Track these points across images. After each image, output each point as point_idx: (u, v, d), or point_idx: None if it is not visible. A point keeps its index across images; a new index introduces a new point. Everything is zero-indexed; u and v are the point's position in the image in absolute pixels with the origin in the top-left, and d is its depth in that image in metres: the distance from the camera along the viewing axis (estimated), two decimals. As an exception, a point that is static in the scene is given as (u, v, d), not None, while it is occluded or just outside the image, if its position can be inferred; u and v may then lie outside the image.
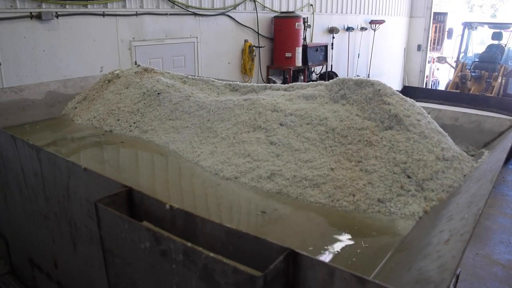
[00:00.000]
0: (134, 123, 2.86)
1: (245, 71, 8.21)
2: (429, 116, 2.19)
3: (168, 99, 2.89)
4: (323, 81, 2.64)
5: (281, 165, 2.02)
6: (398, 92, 2.23)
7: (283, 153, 2.09)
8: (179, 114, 2.74)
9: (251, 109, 2.44)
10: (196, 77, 3.31)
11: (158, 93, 2.96)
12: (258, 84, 2.93)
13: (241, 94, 2.93)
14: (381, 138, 1.98)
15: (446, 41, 14.95)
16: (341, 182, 1.83)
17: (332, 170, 1.91)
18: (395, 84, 13.78)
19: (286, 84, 2.82)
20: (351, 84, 2.31)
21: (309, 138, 2.13)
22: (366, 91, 2.22)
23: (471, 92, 9.94)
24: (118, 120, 2.95)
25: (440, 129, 2.11)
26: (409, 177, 1.79)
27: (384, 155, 1.90)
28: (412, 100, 2.21)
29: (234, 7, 7.67)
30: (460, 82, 10.32)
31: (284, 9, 8.73)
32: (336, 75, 10.40)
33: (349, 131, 2.07)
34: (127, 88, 3.21)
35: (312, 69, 9.78)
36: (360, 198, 1.75)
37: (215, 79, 3.23)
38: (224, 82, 3.13)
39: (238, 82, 3.10)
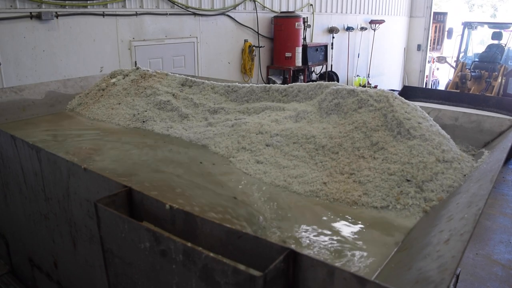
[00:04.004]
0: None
1: (245, 71, 8.21)
2: (432, 119, 2.19)
3: (150, 128, 2.84)
4: (322, 82, 2.64)
5: (269, 182, 1.98)
6: (399, 96, 2.23)
7: (271, 171, 2.05)
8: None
9: (232, 135, 2.41)
10: (195, 79, 3.27)
11: (143, 121, 2.93)
12: (257, 85, 2.92)
13: (238, 103, 2.90)
14: (374, 152, 1.97)
15: (446, 41, 14.95)
16: (336, 196, 1.82)
17: (325, 184, 1.89)
18: (395, 84, 13.79)
19: (286, 85, 2.81)
20: (345, 94, 2.31)
21: (297, 156, 2.10)
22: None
23: (471, 92, 9.93)
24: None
25: (443, 132, 2.10)
26: (408, 180, 1.79)
27: (378, 166, 1.89)
28: (415, 104, 2.21)
29: (234, 7, 7.67)
30: (460, 82, 10.31)
31: (284, 9, 8.73)
32: (336, 75, 10.41)
33: (340, 148, 2.05)
34: (119, 104, 3.19)
35: (312, 69, 9.78)
36: (356, 209, 1.74)
37: (215, 81, 3.20)
38: (224, 84, 3.11)
39: (237, 83, 3.08)
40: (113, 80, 3.49)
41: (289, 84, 2.79)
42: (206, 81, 3.21)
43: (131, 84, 3.34)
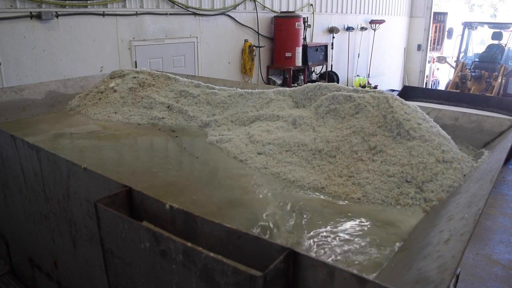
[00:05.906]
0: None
1: (245, 71, 8.21)
2: (432, 120, 2.18)
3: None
4: (322, 83, 2.64)
5: (266, 185, 1.95)
6: (399, 97, 2.23)
7: (266, 175, 2.04)
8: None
9: (218, 149, 2.40)
10: (193, 91, 3.22)
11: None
12: (256, 89, 2.91)
13: (233, 111, 2.89)
14: (373, 155, 1.97)
15: (446, 41, 14.95)
16: (335, 198, 1.81)
17: (323, 188, 1.88)
18: (395, 84, 13.78)
19: (284, 87, 2.80)
20: (341, 99, 2.30)
21: (291, 162, 2.09)
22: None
23: (471, 92, 9.93)
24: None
25: (443, 133, 2.10)
26: (408, 181, 1.79)
27: (377, 168, 1.89)
28: (415, 105, 2.21)
29: (234, 7, 7.67)
30: (460, 82, 10.32)
31: (284, 9, 8.73)
32: (336, 75, 10.41)
33: (337, 151, 2.04)
34: (115, 113, 3.19)
35: (312, 69, 9.78)
36: (356, 210, 1.73)
37: (214, 82, 3.18)
38: (223, 90, 3.09)
39: (223, 93, 3.07)
40: (112, 84, 3.47)
41: (287, 87, 2.79)
42: (202, 92, 3.18)
43: (129, 93, 3.33)
